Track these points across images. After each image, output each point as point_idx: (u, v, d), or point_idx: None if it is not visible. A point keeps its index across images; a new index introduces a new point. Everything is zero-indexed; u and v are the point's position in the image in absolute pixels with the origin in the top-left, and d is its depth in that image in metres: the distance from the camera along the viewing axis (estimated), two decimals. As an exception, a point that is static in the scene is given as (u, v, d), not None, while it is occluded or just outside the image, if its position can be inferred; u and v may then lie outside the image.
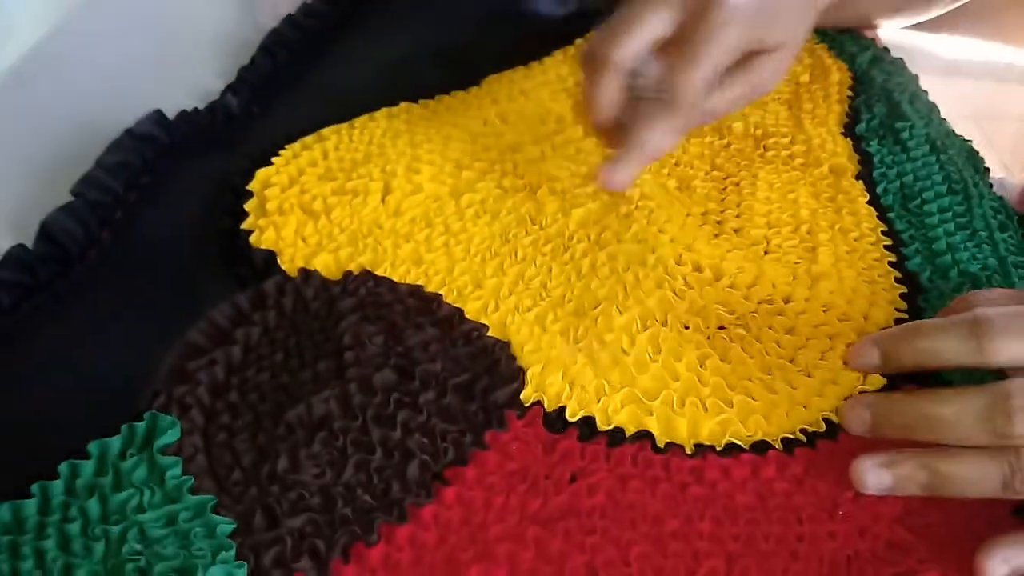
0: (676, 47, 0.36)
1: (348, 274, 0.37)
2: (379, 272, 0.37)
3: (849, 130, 0.48)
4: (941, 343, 0.30)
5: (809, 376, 0.34)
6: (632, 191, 0.43)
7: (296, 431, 0.30)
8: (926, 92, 0.50)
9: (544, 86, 0.50)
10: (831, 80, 0.51)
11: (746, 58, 0.37)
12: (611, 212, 0.42)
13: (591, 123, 0.39)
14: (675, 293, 0.38)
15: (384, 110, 0.48)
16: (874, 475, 0.29)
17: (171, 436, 0.30)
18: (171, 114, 0.45)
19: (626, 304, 0.37)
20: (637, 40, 0.36)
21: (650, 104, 0.37)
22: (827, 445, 0.32)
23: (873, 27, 0.61)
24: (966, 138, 0.48)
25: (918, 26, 0.64)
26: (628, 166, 0.38)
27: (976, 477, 0.28)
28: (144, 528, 0.27)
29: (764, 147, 0.47)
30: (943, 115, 0.49)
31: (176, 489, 0.28)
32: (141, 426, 0.30)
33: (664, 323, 0.36)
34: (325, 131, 0.46)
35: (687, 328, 0.36)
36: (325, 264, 0.38)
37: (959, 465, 0.28)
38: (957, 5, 0.60)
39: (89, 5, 0.51)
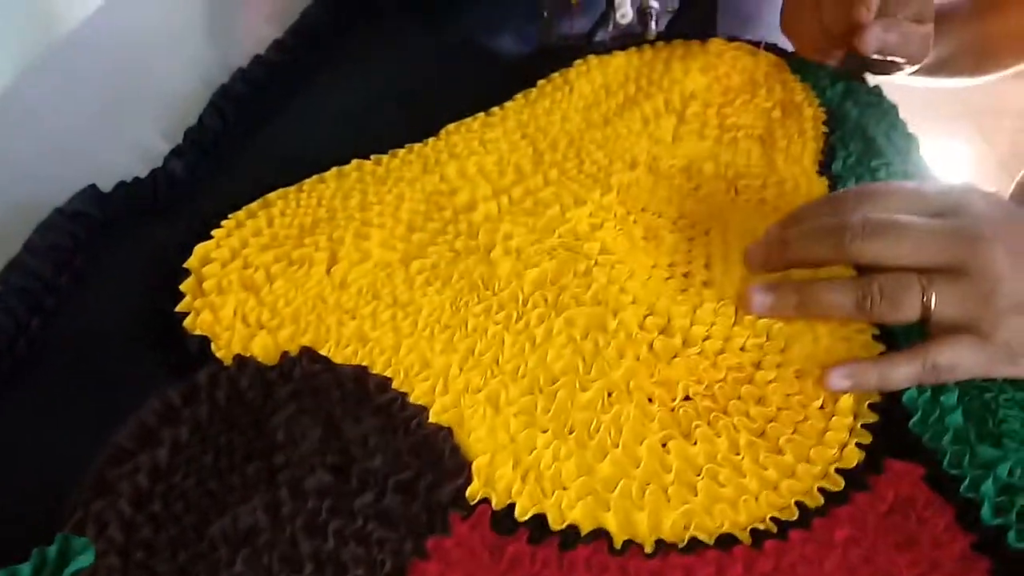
0: None
1: (285, 355, 0.35)
2: (322, 352, 0.35)
3: (825, 168, 0.45)
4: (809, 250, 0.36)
5: (780, 453, 0.32)
6: (591, 244, 0.40)
7: (219, 548, 0.28)
8: (905, 123, 0.48)
9: (504, 137, 0.47)
10: (804, 115, 0.48)
11: None
12: (569, 271, 0.39)
13: None
14: (639, 360, 0.35)
15: (335, 170, 0.45)
16: (759, 296, 0.36)
17: (84, 560, 0.27)
18: (117, 179, 0.43)
19: (587, 378, 0.34)
20: None
21: None
22: (799, 535, 0.29)
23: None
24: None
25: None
26: None
27: (836, 298, 0.35)
28: (49, 671, 0.25)
29: (736, 189, 0.45)
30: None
31: (86, 623, 0.26)
32: (52, 550, 0.28)
33: (627, 398, 0.34)
34: (271, 196, 0.44)
35: (650, 400, 0.34)
36: (264, 346, 0.36)
37: (823, 289, 0.35)
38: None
39: (29, 71, 0.49)
